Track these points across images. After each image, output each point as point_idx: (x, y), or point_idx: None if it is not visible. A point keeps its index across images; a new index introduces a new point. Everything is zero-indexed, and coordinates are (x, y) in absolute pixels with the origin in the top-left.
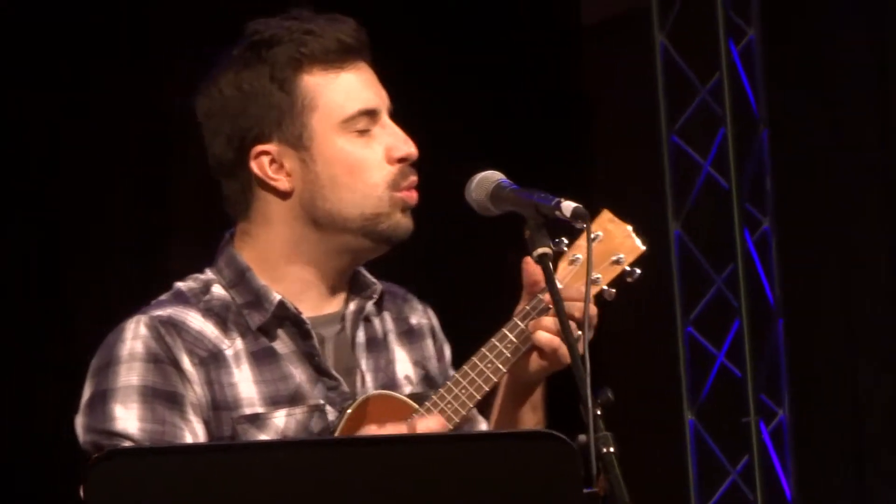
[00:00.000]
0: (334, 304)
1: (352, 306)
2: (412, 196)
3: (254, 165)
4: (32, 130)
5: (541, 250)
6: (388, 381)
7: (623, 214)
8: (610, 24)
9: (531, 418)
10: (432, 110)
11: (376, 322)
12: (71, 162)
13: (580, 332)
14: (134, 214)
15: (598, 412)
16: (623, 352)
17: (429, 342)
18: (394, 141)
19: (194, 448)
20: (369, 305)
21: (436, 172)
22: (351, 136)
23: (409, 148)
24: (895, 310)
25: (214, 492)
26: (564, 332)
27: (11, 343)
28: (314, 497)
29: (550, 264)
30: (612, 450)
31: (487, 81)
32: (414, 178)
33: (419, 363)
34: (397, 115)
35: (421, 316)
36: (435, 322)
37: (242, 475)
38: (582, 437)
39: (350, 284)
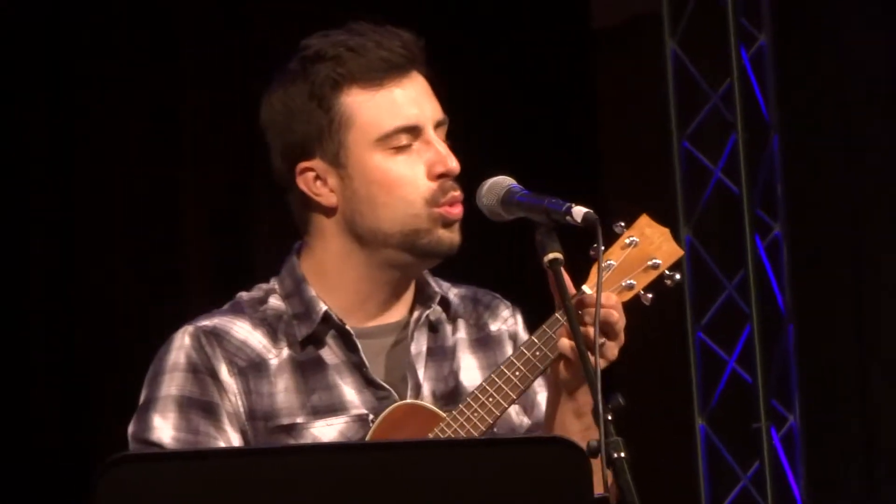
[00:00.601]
0: (396, 314)
1: (415, 315)
2: (453, 211)
3: (300, 181)
4: (33, 130)
5: (551, 255)
6: (451, 389)
7: (634, 220)
8: (620, 30)
9: (576, 424)
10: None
11: (448, 330)
12: (73, 163)
13: (606, 340)
14: (139, 215)
15: (609, 417)
16: (633, 357)
17: (507, 348)
18: (434, 157)
19: (202, 454)
20: (426, 315)
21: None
22: (388, 153)
23: (449, 163)
24: None
25: (222, 496)
26: (575, 339)
27: (12, 345)
28: (321, 501)
29: (562, 269)
30: (622, 455)
31: (496, 86)
32: (456, 194)
33: (490, 370)
34: None
35: (503, 322)
36: (520, 327)
37: (249, 480)
38: (593, 443)
39: (416, 293)
